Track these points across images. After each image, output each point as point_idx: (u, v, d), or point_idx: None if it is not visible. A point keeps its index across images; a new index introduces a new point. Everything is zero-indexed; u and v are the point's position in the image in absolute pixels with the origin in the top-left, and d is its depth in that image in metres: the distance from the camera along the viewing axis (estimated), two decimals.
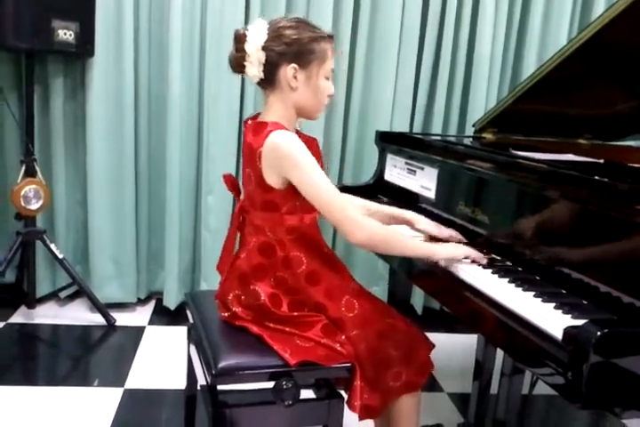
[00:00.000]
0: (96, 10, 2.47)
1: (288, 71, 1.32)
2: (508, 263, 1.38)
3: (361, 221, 1.31)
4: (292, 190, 1.33)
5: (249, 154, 1.34)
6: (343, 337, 1.35)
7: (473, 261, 1.37)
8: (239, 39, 1.32)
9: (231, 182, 1.49)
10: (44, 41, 2.29)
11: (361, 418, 1.36)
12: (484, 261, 1.37)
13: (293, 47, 1.31)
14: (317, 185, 1.30)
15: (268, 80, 1.35)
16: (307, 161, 1.29)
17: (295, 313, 1.36)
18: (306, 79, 1.34)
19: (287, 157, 1.29)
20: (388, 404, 1.43)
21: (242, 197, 1.46)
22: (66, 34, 2.34)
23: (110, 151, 2.63)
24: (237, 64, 1.34)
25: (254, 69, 1.33)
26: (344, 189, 1.80)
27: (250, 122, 1.39)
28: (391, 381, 1.40)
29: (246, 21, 2.55)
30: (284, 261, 1.37)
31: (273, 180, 1.32)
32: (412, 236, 1.55)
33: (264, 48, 1.31)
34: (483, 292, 1.23)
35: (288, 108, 1.37)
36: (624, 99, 1.96)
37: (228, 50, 1.38)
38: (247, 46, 1.31)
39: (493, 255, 1.42)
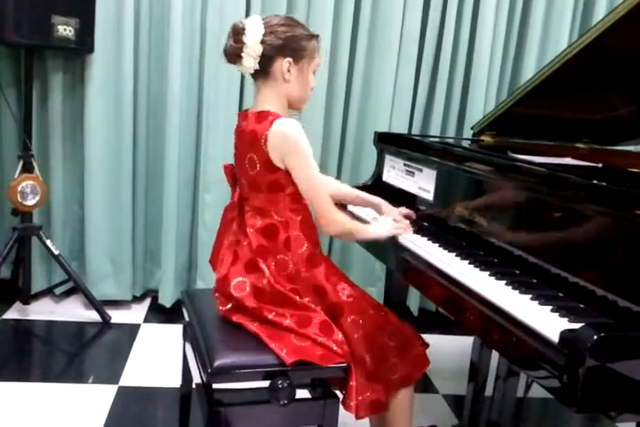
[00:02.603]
0: (96, 6, 2.46)
1: (283, 64, 1.40)
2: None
3: (336, 218, 1.43)
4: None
5: (252, 140, 1.38)
6: (340, 336, 1.35)
7: None
8: (238, 31, 1.37)
9: (231, 172, 1.52)
10: (43, 37, 2.28)
11: (361, 416, 1.37)
12: (410, 231, 1.58)
13: (288, 42, 1.39)
14: (309, 174, 1.39)
15: (263, 72, 1.41)
16: (306, 150, 1.38)
17: (297, 297, 1.38)
18: (298, 73, 1.43)
19: (290, 144, 1.36)
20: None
21: (237, 187, 1.50)
22: (66, 30, 2.34)
23: (108, 148, 2.63)
24: (235, 55, 1.39)
25: (251, 61, 1.38)
26: None
27: (250, 112, 1.43)
28: (388, 373, 1.42)
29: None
30: (287, 242, 1.41)
31: (278, 162, 1.38)
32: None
33: (261, 42, 1.37)
34: (480, 294, 1.23)
35: (281, 98, 1.44)
36: (623, 103, 1.97)
37: None
38: (246, 39, 1.36)
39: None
